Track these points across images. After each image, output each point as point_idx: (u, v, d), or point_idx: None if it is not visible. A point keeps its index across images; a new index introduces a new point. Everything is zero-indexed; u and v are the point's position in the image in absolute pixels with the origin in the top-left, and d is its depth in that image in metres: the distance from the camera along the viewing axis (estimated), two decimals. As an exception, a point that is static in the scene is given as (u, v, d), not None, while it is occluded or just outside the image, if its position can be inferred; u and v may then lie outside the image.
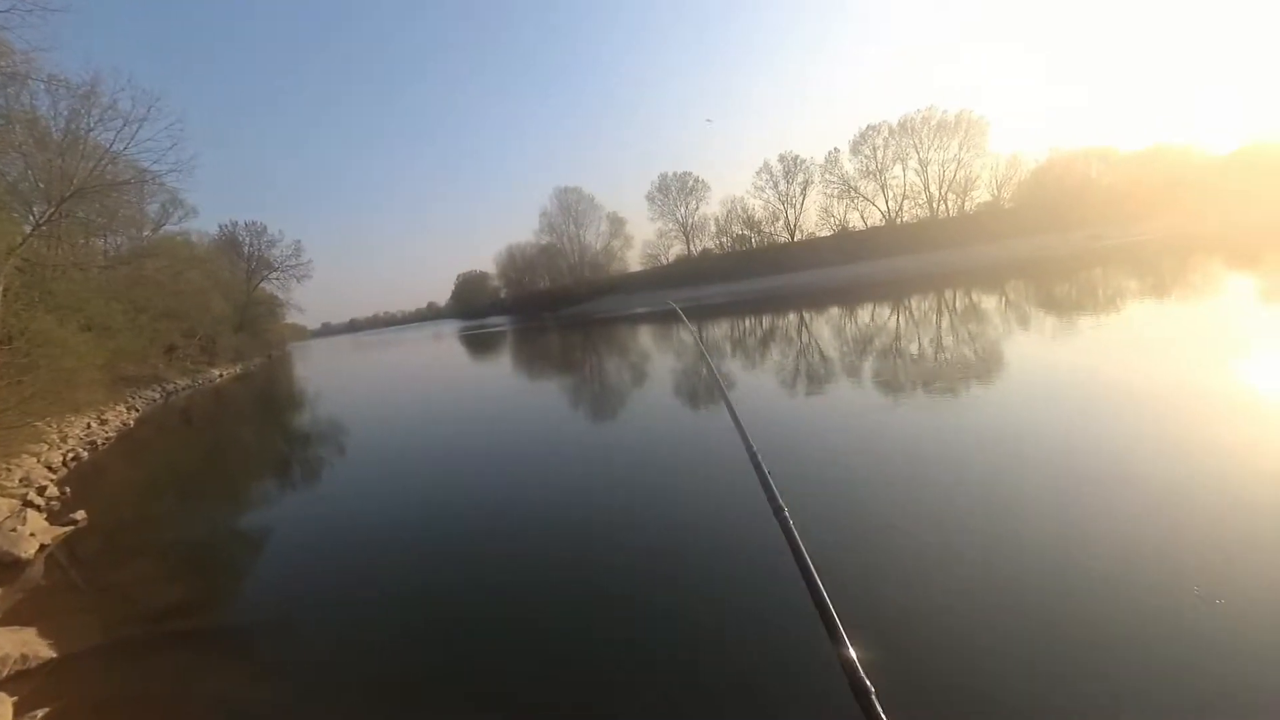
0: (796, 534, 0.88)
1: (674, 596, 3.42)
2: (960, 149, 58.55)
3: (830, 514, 4.16)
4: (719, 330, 20.45)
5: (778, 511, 0.97)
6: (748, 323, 21.63)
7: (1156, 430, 4.96)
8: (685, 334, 19.52)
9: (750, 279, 51.34)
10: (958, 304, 17.50)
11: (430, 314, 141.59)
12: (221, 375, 30.43)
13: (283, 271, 51.34)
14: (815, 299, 26.79)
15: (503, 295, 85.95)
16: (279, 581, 4.66)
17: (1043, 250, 35.44)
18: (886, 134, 60.22)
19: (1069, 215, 47.09)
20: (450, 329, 64.58)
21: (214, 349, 32.90)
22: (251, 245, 50.21)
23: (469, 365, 23.34)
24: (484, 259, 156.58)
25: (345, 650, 3.48)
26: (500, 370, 19.59)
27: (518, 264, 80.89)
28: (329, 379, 26.42)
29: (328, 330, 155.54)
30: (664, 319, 29.24)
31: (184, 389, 24.20)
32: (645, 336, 22.62)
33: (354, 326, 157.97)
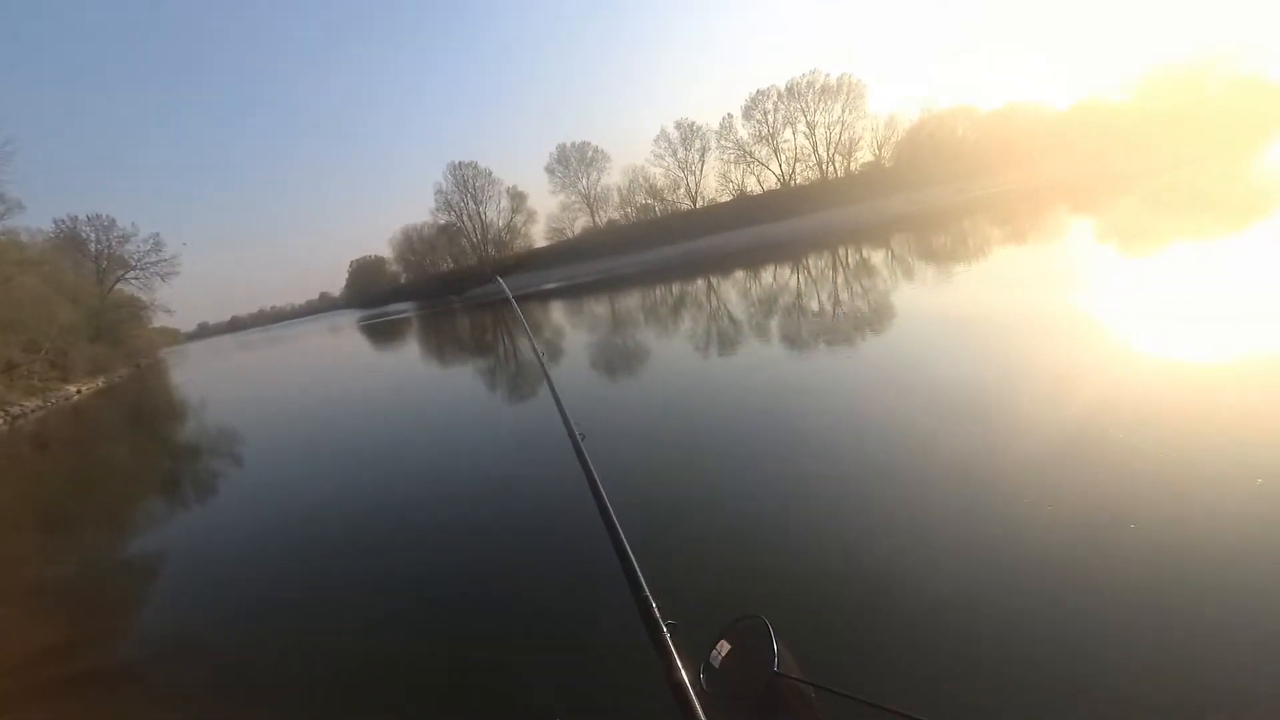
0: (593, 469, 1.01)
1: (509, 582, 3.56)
2: (843, 111, 61.33)
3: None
4: (631, 301, 20.61)
5: (586, 469, 1.16)
6: (658, 292, 21.93)
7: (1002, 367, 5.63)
8: (597, 307, 19.48)
9: (657, 247, 51.78)
10: (849, 260, 18.64)
11: (324, 305, 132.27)
12: (80, 391, 26.96)
13: (142, 270, 45.89)
14: (720, 263, 27.54)
15: (403, 280, 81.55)
16: (174, 608, 4.31)
17: (918, 205, 38.28)
18: (775, 99, 61.93)
19: (940, 171, 50.94)
20: (348, 320, 60.66)
21: (66, 363, 29.02)
22: (99, 242, 44.36)
23: (368, 357, 22.14)
24: (378, 244, 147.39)
25: (246, 668, 3.31)
26: (401, 360, 18.73)
27: (416, 246, 76.77)
28: (210, 385, 24.16)
29: (206, 331, 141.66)
30: (575, 292, 29.03)
31: (34, 411, 21.27)
32: (557, 312, 22.40)
33: (237, 325, 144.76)
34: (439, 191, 69.66)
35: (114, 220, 44.66)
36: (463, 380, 12.45)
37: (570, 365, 10.52)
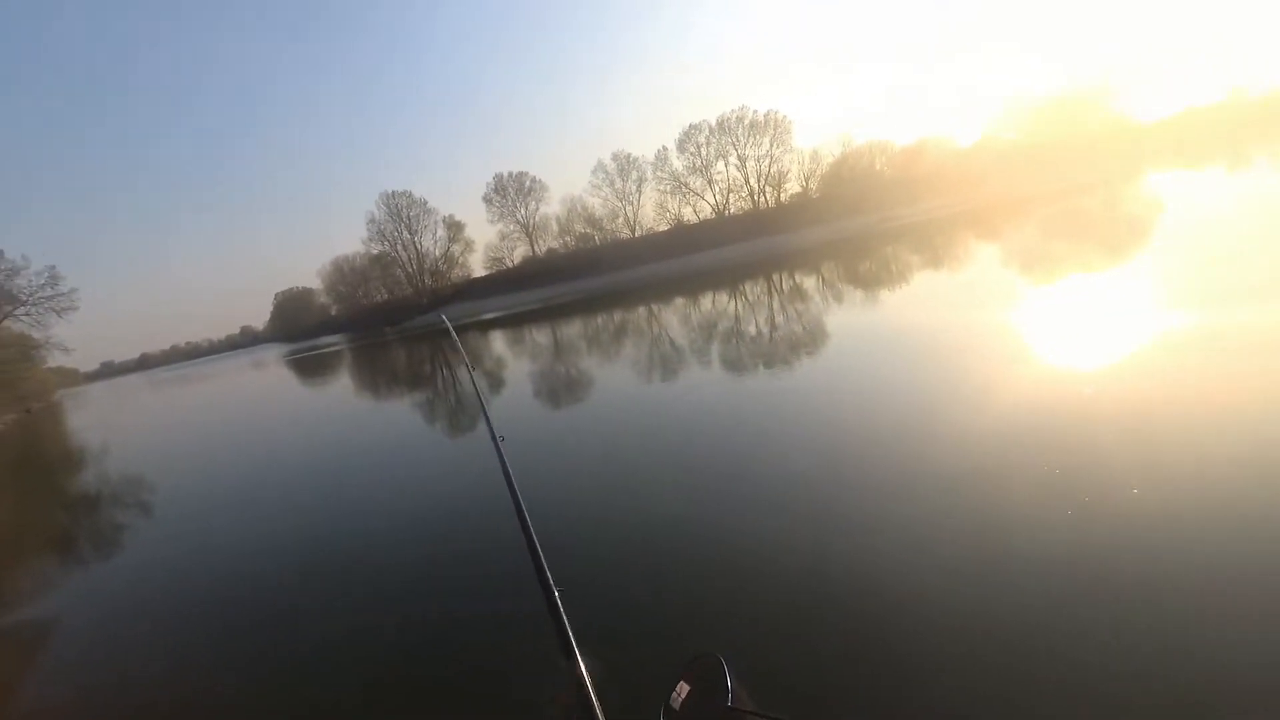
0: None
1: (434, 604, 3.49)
2: (771, 145, 64.47)
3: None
4: (572, 329, 20.60)
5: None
6: (599, 319, 22.04)
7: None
8: (538, 335, 19.32)
9: (597, 276, 52.21)
10: (783, 285, 19.42)
11: (246, 340, 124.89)
12: (-44, 442, 24.19)
13: (34, 306, 42.08)
14: (659, 290, 28.03)
15: (334, 312, 78.32)
16: (64, 678, 3.91)
17: (845, 233, 40.45)
18: (707, 132, 64.44)
19: (862, 201, 54.21)
20: (274, 354, 57.47)
21: (-60, 411, 26.02)
22: (-18, 276, 40.39)
23: (293, 392, 21.02)
24: (306, 275, 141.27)
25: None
26: (329, 394, 17.90)
27: (347, 277, 74.13)
28: (108, 431, 22.21)
29: (110, 371, 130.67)
30: (515, 321, 28.73)
31: (-103, 466, 18.85)
32: (497, 341, 22.07)
33: (147, 363, 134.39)
34: (371, 221, 67.91)
35: (0, 252, 40.87)
36: (395, 412, 12.02)
37: (511, 395, 10.38)
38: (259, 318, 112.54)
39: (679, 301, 21.51)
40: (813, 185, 65.78)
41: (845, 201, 55.60)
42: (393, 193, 67.45)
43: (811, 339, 9.62)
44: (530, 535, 0.99)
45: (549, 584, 0.90)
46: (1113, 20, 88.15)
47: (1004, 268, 13.42)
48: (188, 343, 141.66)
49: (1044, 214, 23.34)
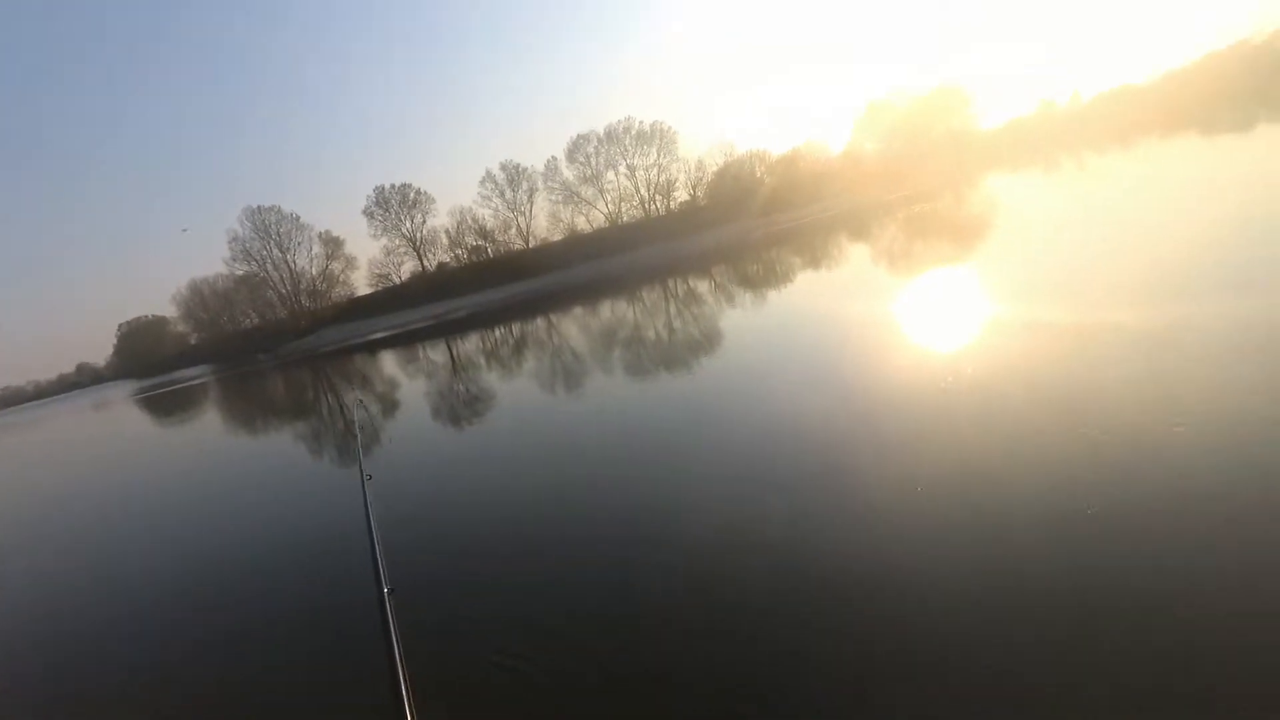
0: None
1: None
2: (659, 155, 66.30)
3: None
4: (469, 345, 19.90)
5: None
6: (496, 333, 21.47)
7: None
8: (432, 354, 18.48)
9: (492, 288, 50.93)
10: (678, 290, 19.99)
11: (85, 379, 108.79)
12: None
13: None
14: (557, 301, 27.82)
15: (194, 341, 70.30)
16: None
17: (732, 238, 42.43)
18: (596, 142, 65.07)
19: (745, 208, 57.22)
20: (121, 393, 50.52)
21: None
22: None
23: (146, 436, 18.60)
24: (157, 302, 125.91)
25: None
26: (189, 435, 16.03)
27: (208, 302, 66.91)
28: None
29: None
30: (406, 340, 27.27)
31: None
32: (388, 362, 20.83)
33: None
34: (234, 239, 61.77)
35: None
36: (257, 449, 10.98)
37: (398, 420, 9.83)
38: (100, 353, 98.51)
39: (577, 311, 21.47)
40: (700, 193, 68.39)
41: (732, 208, 58.36)
42: (258, 207, 61.89)
43: (706, 341, 9.96)
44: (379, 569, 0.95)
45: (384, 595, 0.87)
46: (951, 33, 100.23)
47: (870, 266, 14.69)
48: (5, 387, 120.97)
49: (903, 216, 25.83)
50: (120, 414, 28.98)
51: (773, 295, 13.64)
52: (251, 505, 7.13)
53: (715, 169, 68.15)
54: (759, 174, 68.47)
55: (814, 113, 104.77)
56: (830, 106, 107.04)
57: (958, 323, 7.07)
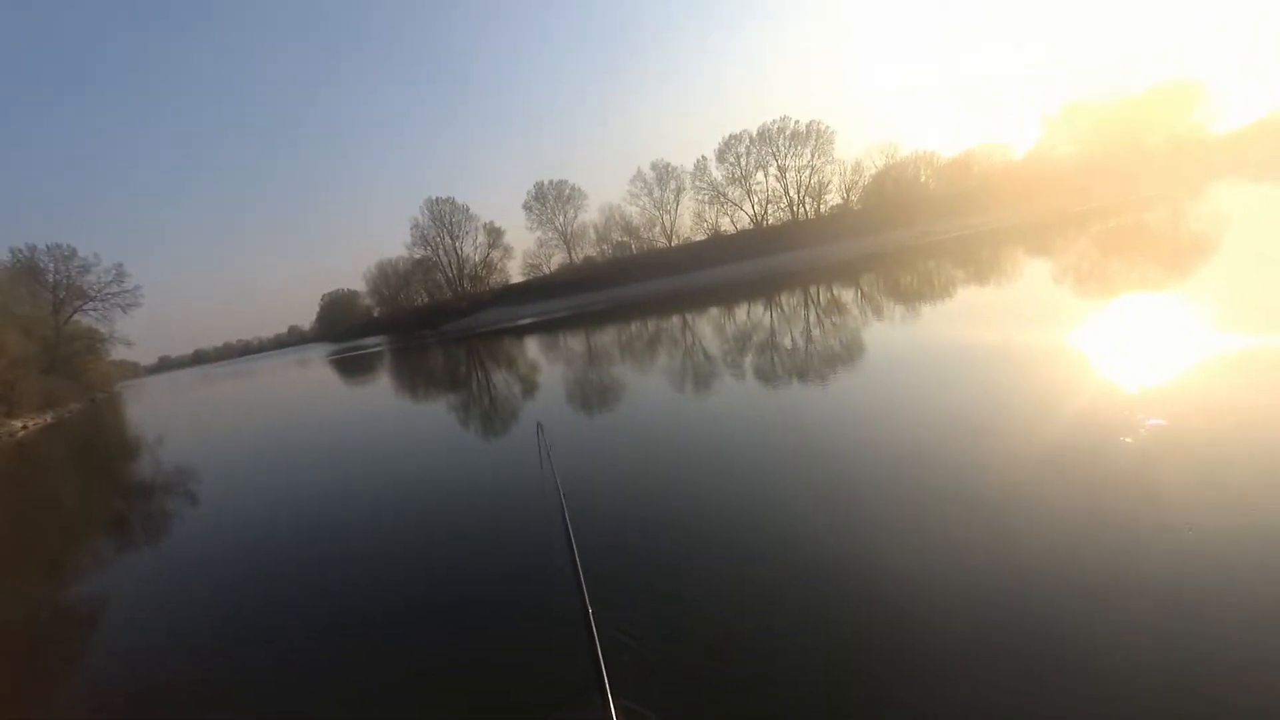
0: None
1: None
2: (813, 156, 63.83)
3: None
4: (606, 337, 20.70)
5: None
6: (633, 328, 22.09)
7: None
8: (573, 342, 19.46)
9: (632, 284, 52.42)
10: (821, 297, 19.11)
11: (293, 339, 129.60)
12: (25, 427, 25.76)
13: (102, 301, 44.67)
14: (696, 300, 27.95)
15: (376, 314, 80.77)
16: (126, 657, 4.08)
17: (885, 246, 39.63)
18: (748, 143, 64.24)
19: (905, 214, 53.13)
20: (318, 353, 59.48)
21: (14, 396, 27.78)
22: (58, 273, 43.09)
23: (336, 392, 21.67)
24: (352, 278, 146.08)
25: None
26: (370, 395, 18.38)
27: (390, 280, 76.44)
28: (166, 422, 23.30)
29: (167, 365, 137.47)
30: (549, 327, 29.03)
31: (-28, 448, 20.19)
32: (531, 347, 22.34)
33: (201, 359, 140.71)
34: (415, 226, 69.94)
35: (74, 250, 43.53)
36: (433, 415, 12.26)
37: (549, 406, 10.44)
38: (306, 318, 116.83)
39: (714, 311, 21.40)
40: (854, 197, 64.83)
41: (888, 214, 54.59)
42: (436, 199, 69.40)
43: (844, 354, 9.42)
44: (578, 569, 0.96)
45: (588, 611, 0.86)
46: (1177, 24, 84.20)
47: (1030, 290, 12.90)
48: (239, 340, 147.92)
49: (1095, 231, 22.39)
50: (317, 373, 34.03)
51: (922, 310, 12.50)
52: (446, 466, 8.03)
53: (874, 171, 64.19)
54: (924, 178, 63.37)
55: (996, 114, 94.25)
56: (1017, 108, 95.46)
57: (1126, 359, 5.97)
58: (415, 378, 21.22)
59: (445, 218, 69.62)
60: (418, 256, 72.09)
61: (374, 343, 56.91)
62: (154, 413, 28.34)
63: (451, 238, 70.32)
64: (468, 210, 69.83)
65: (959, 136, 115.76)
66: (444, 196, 70.14)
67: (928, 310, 12.57)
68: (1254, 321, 6.65)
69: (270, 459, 10.72)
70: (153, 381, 77.39)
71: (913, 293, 16.16)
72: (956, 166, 62.58)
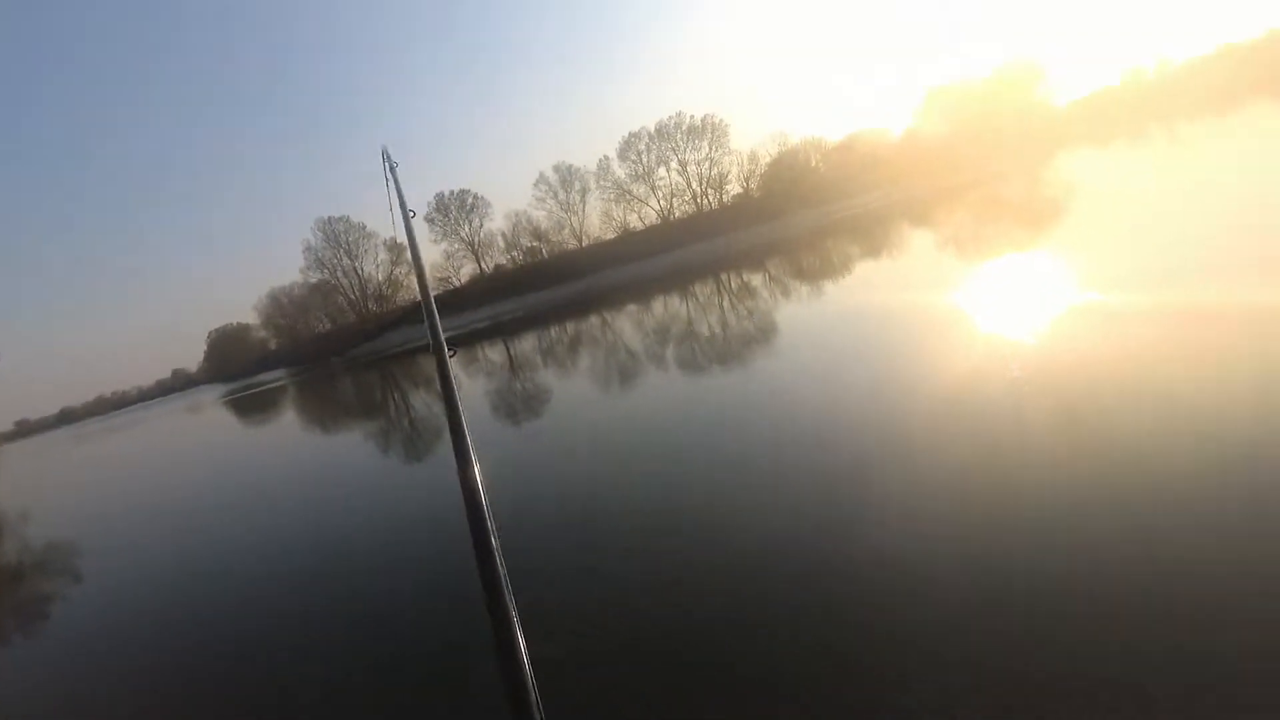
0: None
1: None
2: (710, 149, 65.68)
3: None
4: (525, 345, 20.34)
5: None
6: (552, 332, 21.83)
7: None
8: (492, 353, 19.01)
9: (548, 289, 51.92)
10: (732, 284, 19.71)
11: (179, 383, 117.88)
12: None
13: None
14: (611, 299, 28.02)
15: (273, 346, 75.11)
16: None
17: (788, 230, 41.50)
18: (647, 139, 65.12)
19: (802, 198, 55.79)
20: (211, 396, 54.52)
21: None
22: None
23: (237, 435, 19.98)
24: (239, 309, 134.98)
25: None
26: (275, 433, 17.07)
27: (285, 309, 71.24)
28: (25, 493, 20.58)
29: (25, 430, 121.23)
30: (465, 340, 28.12)
31: None
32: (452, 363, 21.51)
33: (68, 417, 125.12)
34: (308, 249, 65.50)
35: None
36: (346, 444, 11.56)
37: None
38: (192, 359, 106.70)
39: (631, 308, 21.54)
40: (753, 185, 67.28)
41: (786, 199, 57.10)
42: (330, 218, 65.40)
43: (762, 334, 9.76)
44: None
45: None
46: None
47: (928, 255, 14.00)
48: (114, 392, 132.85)
49: (968, 201, 24.53)
50: (213, 417, 31.21)
51: (828, 286, 13.21)
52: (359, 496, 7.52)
53: (769, 159, 66.89)
54: (814, 163, 66.78)
55: (871, 99, 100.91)
56: (891, 94, 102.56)
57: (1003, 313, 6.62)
58: (324, 409, 19.93)
59: (340, 237, 65.84)
60: (314, 280, 67.73)
61: (274, 378, 52.95)
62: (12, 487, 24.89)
63: (350, 257, 66.61)
64: (364, 228, 66.34)
65: (842, 122, 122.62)
66: (338, 215, 66.28)
67: (829, 286, 13.27)
68: (1094, 276, 7.50)
69: (163, 520, 9.70)
70: (9, 449, 68.09)
71: (816, 271, 17.02)
72: (842, 150, 66.41)
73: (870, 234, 23.04)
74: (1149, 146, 24.02)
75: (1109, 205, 12.93)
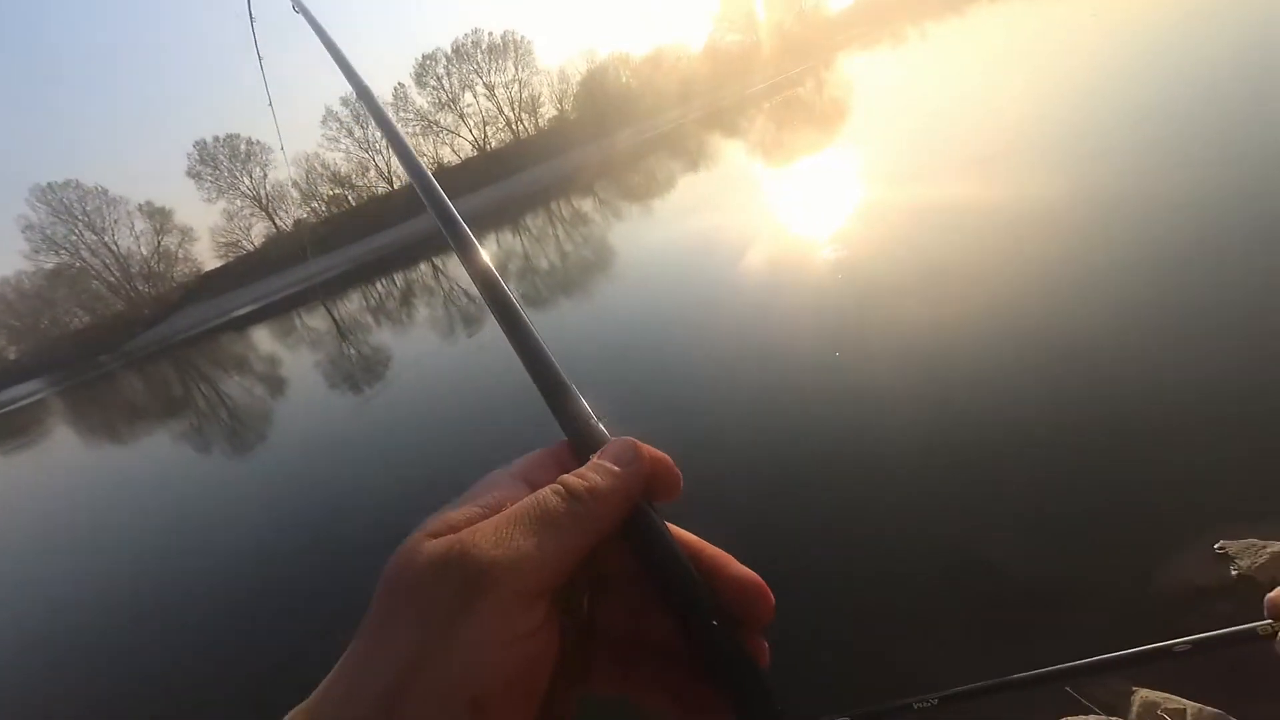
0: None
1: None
2: (517, 69, 61.79)
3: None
4: (353, 305, 18.59)
5: None
6: (379, 287, 20.12)
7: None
8: (316, 321, 17.12)
9: (363, 239, 47.12)
10: (564, 213, 19.46)
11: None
12: None
13: None
14: (435, 244, 26.19)
15: (12, 356, 60.10)
16: None
17: (610, 150, 41.27)
18: (445, 62, 59.39)
19: (618, 116, 55.35)
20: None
21: None
22: None
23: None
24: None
25: None
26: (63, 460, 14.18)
27: (15, 306, 56.82)
28: None
29: None
30: (277, 310, 24.89)
31: None
32: (262, 340, 19.08)
33: None
34: (29, 227, 51.92)
35: None
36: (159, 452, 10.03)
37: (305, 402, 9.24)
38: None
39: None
40: (568, 106, 65.16)
41: (603, 118, 56.23)
42: (50, 185, 51.95)
43: (614, 255, 9.97)
44: None
45: None
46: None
47: (742, 164, 15.01)
48: None
49: (767, 108, 26.22)
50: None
51: (664, 205, 13.66)
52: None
53: (580, 78, 64.83)
54: (625, 79, 66.04)
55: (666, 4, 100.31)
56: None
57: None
58: (109, 420, 16.79)
59: (73, 207, 52.88)
60: (49, 266, 54.36)
61: (26, 392, 42.88)
62: None
63: (94, 231, 54.07)
64: (105, 193, 53.86)
65: (644, 32, 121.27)
66: (61, 181, 52.88)
67: (659, 205, 13.73)
68: (883, 170, 8.66)
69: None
70: None
71: (643, 191, 17.40)
72: (649, 64, 66.28)
73: (689, 148, 23.84)
74: (910, 47, 27.19)
75: (888, 104, 14.74)
